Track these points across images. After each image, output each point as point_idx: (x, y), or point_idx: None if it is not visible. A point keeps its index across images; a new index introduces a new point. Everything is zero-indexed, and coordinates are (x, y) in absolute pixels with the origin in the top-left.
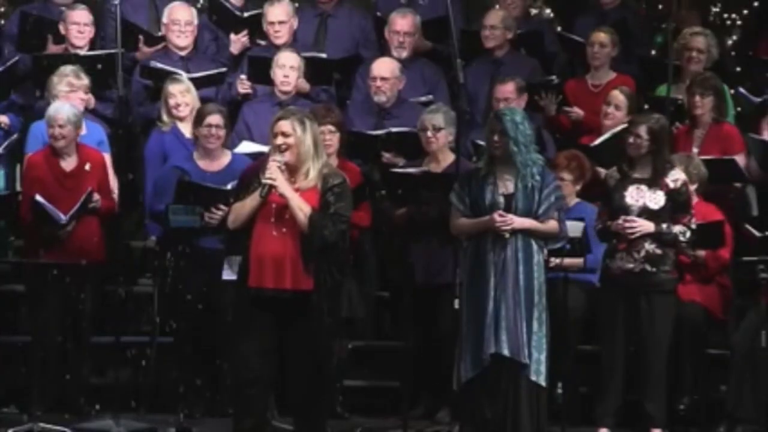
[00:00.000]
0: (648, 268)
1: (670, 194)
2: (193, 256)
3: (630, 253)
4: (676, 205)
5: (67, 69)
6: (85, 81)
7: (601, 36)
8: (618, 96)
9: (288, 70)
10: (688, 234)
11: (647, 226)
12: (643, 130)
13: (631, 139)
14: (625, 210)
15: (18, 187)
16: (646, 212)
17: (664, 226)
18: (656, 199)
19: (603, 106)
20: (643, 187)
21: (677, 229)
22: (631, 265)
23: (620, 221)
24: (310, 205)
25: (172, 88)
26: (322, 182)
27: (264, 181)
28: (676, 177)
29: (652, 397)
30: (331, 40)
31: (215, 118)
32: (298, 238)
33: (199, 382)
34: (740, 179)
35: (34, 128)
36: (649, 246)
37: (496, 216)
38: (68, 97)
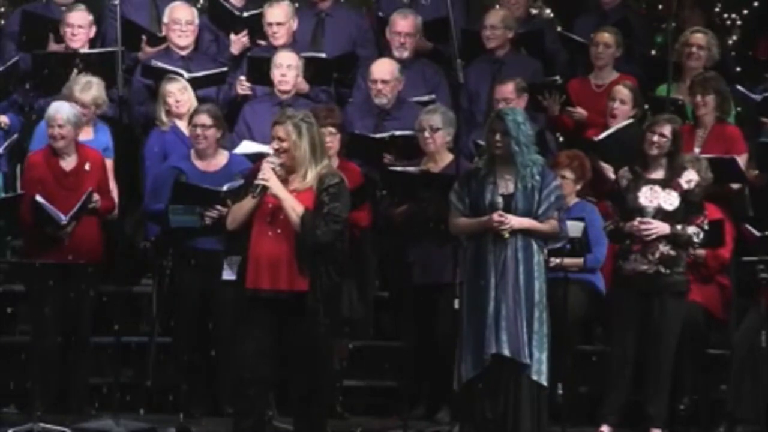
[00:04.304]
0: (662, 269)
1: (684, 195)
2: (191, 256)
3: (644, 254)
4: (690, 205)
5: (93, 81)
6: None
7: (605, 36)
8: (622, 90)
9: (285, 69)
10: (702, 235)
11: (663, 227)
12: (667, 130)
13: (655, 138)
14: (640, 211)
15: (18, 187)
16: (660, 213)
17: (679, 227)
18: (671, 200)
19: (608, 102)
20: (657, 188)
21: (691, 230)
22: (645, 267)
23: (635, 223)
24: (305, 206)
25: (170, 87)
26: (318, 183)
27: (257, 182)
28: (689, 178)
29: (656, 397)
30: (328, 40)
31: (201, 118)
32: (294, 238)
33: (198, 382)
34: (740, 179)
35: (40, 128)
36: (663, 248)
37: (494, 216)
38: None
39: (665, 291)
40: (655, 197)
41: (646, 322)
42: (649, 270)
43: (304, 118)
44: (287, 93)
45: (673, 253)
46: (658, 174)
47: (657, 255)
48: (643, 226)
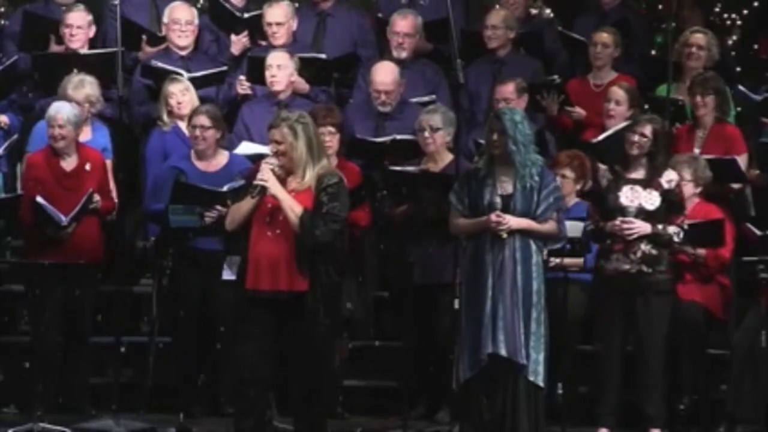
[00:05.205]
0: (644, 269)
1: (665, 195)
2: (191, 256)
3: (626, 254)
4: (670, 205)
5: (86, 79)
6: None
7: (604, 36)
8: (618, 91)
9: (275, 69)
10: (682, 234)
11: (644, 227)
12: (648, 130)
13: (635, 138)
14: (622, 211)
15: (18, 187)
16: (642, 213)
17: (660, 226)
18: (651, 200)
19: (604, 104)
20: (638, 188)
21: (671, 229)
22: (627, 266)
23: (617, 222)
24: (304, 206)
25: (172, 88)
26: (316, 182)
27: (255, 182)
28: (670, 177)
29: (651, 397)
30: (329, 40)
31: (200, 119)
32: (293, 239)
33: (199, 382)
34: (740, 179)
35: (38, 128)
36: (645, 247)
37: (492, 216)
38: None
39: (648, 290)
40: (636, 197)
41: (632, 322)
42: (631, 269)
43: (299, 119)
44: (281, 93)
45: (654, 252)
46: (639, 174)
47: (639, 254)
48: (626, 226)
